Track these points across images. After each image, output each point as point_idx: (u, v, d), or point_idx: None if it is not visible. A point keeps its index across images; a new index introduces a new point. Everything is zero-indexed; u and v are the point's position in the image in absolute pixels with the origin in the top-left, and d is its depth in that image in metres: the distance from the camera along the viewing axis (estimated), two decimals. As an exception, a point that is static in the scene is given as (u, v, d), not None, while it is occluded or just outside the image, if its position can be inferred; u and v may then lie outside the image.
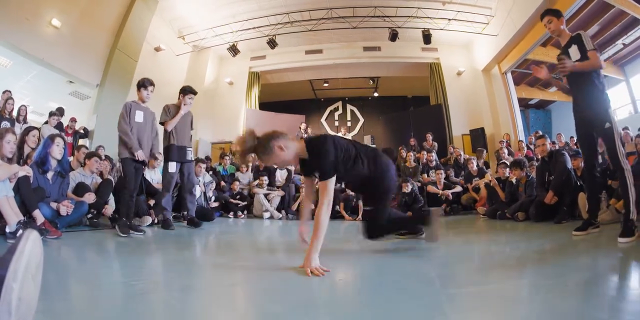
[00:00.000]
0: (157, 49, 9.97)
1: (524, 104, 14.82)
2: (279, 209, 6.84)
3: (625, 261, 2.07)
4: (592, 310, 1.17)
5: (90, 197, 3.87)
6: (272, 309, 1.28)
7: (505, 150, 7.98)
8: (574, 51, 2.92)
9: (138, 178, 3.90)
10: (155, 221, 4.70)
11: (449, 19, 10.03)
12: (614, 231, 2.58)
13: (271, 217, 6.63)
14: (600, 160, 3.20)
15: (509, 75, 11.02)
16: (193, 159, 4.67)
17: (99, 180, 4.52)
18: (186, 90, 4.42)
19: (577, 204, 4.12)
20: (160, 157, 5.00)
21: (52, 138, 3.66)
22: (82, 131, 7.54)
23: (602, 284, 1.55)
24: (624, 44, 10.87)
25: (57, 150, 3.63)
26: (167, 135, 4.33)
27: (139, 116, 3.84)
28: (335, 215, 6.76)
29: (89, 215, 4.01)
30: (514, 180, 5.30)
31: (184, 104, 4.35)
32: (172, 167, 4.29)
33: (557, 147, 7.54)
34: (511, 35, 9.28)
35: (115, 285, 1.67)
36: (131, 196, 3.76)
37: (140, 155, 3.72)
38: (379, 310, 1.24)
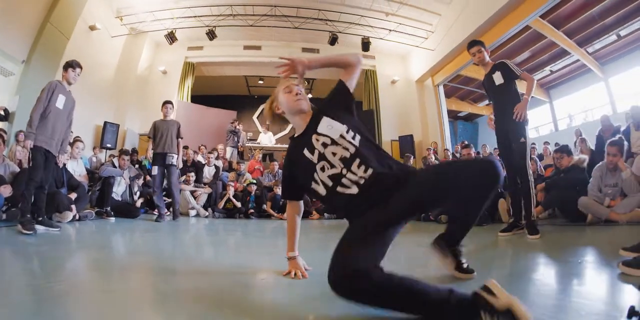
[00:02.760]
0: (92, 28, 9.01)
1: (453, 115, 15.82)
2: (205, 207, 6.63)
3: (538, 253, 2.49)
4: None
5: (6, 190, 3.48)
6: (198, 310, 1.23)
7: (433, 157, 8.41)
8: (497, 77, 3.42)
9: (50, 169, 3.51)
10: (77, 217, 4.30)
11: (390, 30, 10.43)
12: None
13: (197, 215, 6.39)
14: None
15: (441, 88, 11.73)
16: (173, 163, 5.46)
17: (16, 169, 4.04)
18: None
19: (497, 209, 4.54)
20: (68, 151, 4.57)
21: None
22: (1, 113, 6.39)
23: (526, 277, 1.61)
24: (551, 71, 12.42)
25: None
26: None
27: (60, 101, 3.47)
28: (262, 215, 6.65)
29: (4, 208, 3.57)
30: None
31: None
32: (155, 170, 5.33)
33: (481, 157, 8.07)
34: (447, 51, 9.89)
35: (30, 287, 1.50)
36: (42, 188, 3.37)
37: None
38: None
